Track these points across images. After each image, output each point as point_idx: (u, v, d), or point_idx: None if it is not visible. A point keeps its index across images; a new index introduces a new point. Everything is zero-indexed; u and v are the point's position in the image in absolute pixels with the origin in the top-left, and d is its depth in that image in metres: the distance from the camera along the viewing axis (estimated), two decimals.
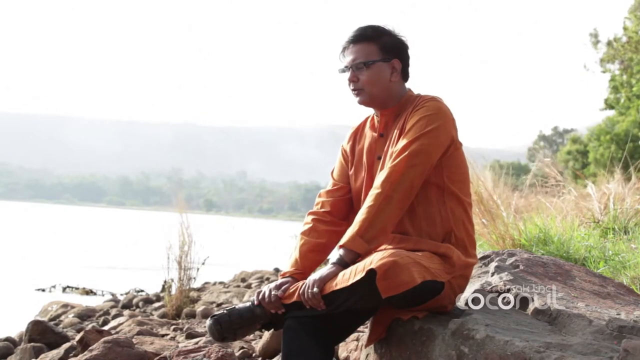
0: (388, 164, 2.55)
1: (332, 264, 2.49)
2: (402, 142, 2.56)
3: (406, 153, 2.52)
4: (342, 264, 2.47)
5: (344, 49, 2.72)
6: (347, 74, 2.70)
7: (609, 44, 20.92)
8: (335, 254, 2.51)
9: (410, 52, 2.76)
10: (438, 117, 2.57)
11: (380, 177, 2.54)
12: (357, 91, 2.69)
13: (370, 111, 2.84)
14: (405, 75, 2.75)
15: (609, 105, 22.67)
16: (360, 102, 2.71)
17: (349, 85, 2.71)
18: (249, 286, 9.86)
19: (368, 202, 2.51)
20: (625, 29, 19.78)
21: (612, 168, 6.99)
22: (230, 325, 2.55)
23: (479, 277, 3.19)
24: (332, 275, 2.45)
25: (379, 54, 2.67)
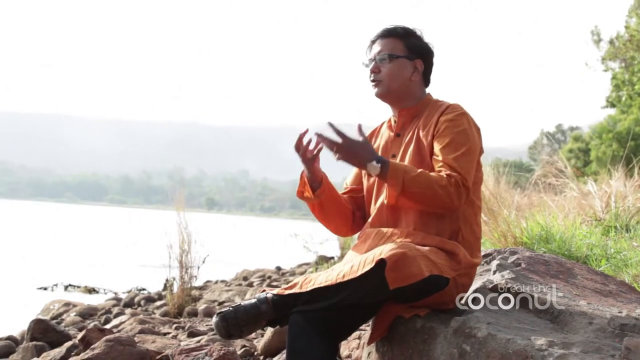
0: (440, 169, 2.55)
1: (376, 157, 2.50)
2: (450, 154, 2.55)
3: (463, 169, 2.53)
4: (372, 168, 2.49)
5: (372, 42, 2.77)
6: (370, 67, 2.75)
7: (611, 42, 20.91)
8: (384, 160, 2.50)
9: (435, 59, 2.80)
10: (472, 131, 2.62)
11: (455, 181, 2.51)
12: (376, 82, 2.73)
13: (377, 108, 2.87)
14: (426, 80, 2.80)
15: (611, 104, 22.67)
16: (377, 94, 2.75)
17: (370, 76, 2.75)
18: (250, 285, 9.86)
19: (436, 179, 2.49)
20: (627, 27, 19.75)
21: (614, 166, 6.98)
22: (236, 322, 2.55)
23: (480, 275, 3.19)
24: (360, 162, 2.51)
25: (403, 51, 2.72)
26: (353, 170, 2.95)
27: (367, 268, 2.35)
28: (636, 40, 18.85)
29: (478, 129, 2.68)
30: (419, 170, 2.53)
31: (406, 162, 2.68)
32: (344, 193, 2.92)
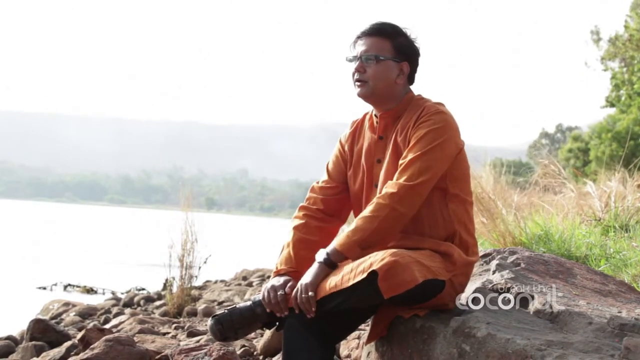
0: (397, 175, 2.53)
1: (319, 262, 2.48)
2: (410, 155, 2.54)
3: (415, 168, 2.50)
4: (329, 264, 2.46)
5: (358, 38, 2.69)
6: (354, 64, 2.67)
7: (611, 41, 20.91)
8: (322, 253, 2.50)
9: (420, 59, 2.74)
10: (445, 130, 2.56)
11: (388, 188, 2.51)
12: (361, 83, 2.65)
13: (367, 107, 2.81)
14: (411, 80, 2.73)
15: (610, 103, 22.66)
16: (360, 94, 2.67)
17: (354, 75, 2.67)
18: (250, 284, 9.86)
19: (372, 210, 2.49)
20: (626, 27, 19.74)
21: (613, 166, 6.98)
22: (231, 325, 2.55)
23: (480, 275, 3.19)
24: (322, 276, 2.44)
25: (391, 52, 2.65)
26: (334, 158, 2.85)
27: (359, 279, 2.33)
28: (635, 39, 18.84)
29: (455, 124, 2.61)
30: (359, 222, 2.49)
31: (395, 176, 2.59)
32: (327, 188, 2.81)
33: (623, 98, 21.66)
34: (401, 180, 2.50)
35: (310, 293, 2.41)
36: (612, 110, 23.64)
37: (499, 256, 3.38)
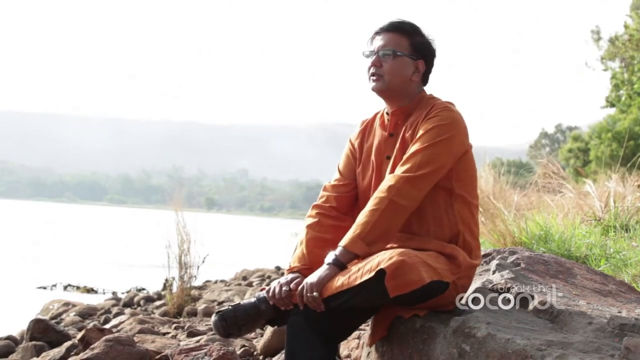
0: (398, 168, 2.54)
1: (327, 264, 2.47)
2: (413, 148, 2.54)
3: (416, 160, 2.51)
4: (338, 265, 2.46)
5: (376, 34, 2.70)
6: (370, 59, 2.68)
7: (611, 41, 20.93)
8: (331, 254, 2.50)
9: (436, 61, 2.75)
10: (452, 127, 2.56)
11: (387, 181, 2.52)
12: (377, 77, 2.66)
13: (375, 108, 2.83)
14: (425, 80, 2.75)
15: (610, 103, 22.68)
16: (375, 89, 2.68)
17: (370, 69, 2.68)
18: (250, 284, 9.87)
19: (372, 204, 2.50)
20: (626, 27, 19.75)
21: (613, 166, 6.98)
22: (235, 322, 2.54)
23: (480, 275, 3.19)
24: (329, 277, 2.43)
25: (408, 49, 2.67)
26: (344, 157, 2.86)
27: (366, 277, 2.34)
28: (635, 39, 18.85)
29: (464, 124, 2.62)
30: (360, 217, 2.50)
31: (397, 168, 2.61)
32: (340, 186, 2.81)
33: (623, 98, 21.69)
34: (400, 172, 2.51)
35: (315, 293, 2.41)
36: (612, 110, 23.67)
37: (499, 256, 3.37)
